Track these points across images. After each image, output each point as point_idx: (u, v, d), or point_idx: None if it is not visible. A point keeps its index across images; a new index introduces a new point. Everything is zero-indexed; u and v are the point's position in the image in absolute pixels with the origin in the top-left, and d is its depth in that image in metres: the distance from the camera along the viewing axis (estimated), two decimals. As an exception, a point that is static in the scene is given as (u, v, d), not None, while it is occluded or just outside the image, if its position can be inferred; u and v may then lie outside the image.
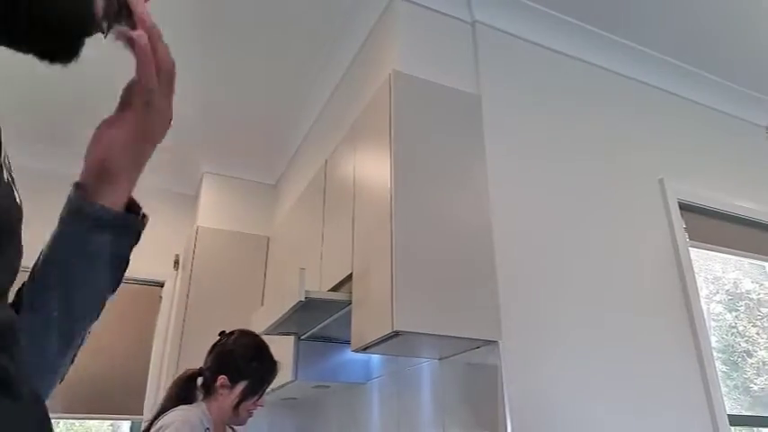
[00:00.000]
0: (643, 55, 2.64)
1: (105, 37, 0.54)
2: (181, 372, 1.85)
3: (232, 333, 1.82)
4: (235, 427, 1.83)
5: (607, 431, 1.81)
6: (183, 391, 1.73)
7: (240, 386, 1.72)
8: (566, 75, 2.44)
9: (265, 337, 2.51)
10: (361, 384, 2.48)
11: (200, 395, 1.75)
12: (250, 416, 1.78)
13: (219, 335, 1.84)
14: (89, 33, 0.50)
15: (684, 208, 2.44)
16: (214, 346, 1.81)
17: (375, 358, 2.35)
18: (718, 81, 2.82)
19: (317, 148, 3.00)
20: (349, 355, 2.34)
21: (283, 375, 2.48)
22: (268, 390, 1.85)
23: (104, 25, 0.52)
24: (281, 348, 2.57)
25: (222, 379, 1.70)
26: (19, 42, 0.47)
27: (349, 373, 2.45)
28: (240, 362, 1.73)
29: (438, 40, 2.22)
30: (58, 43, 0.48)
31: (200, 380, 1.77)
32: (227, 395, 1.71)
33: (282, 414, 3.37)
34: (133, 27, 0.56)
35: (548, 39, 2.44)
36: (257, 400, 1.77)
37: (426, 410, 1.96)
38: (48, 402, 0.48)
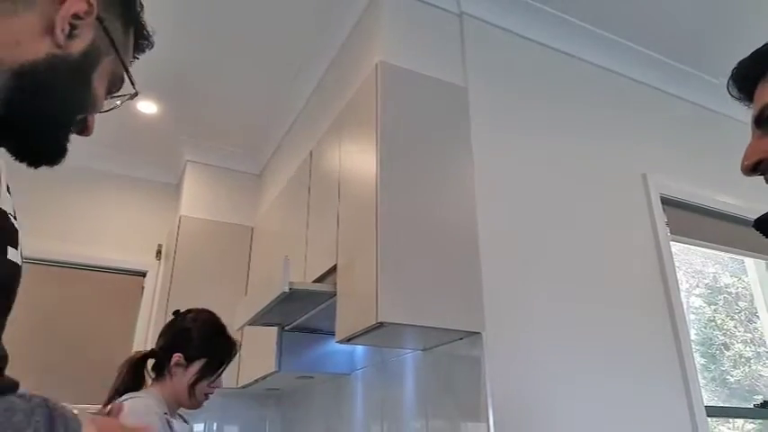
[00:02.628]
0: (628, 50, 2.65)
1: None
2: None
3: (189, 311, 1.71)
4: (183, 414, 1.74)
5: (587, 421, 1.83)
6: (135, 374, 1.61)
7: (197, 365, 1.61)
8: (552, 68, 2.45)
9: (249, 328, 2.51)
10: (345, 375, 2.48)
11: (149, 380, 1.64)
12: (206, 398, 1.67)
13: (174, 314, 1.74)
14: (65, 151, 0.64)
15: (666, 202, 2.47)
16: (169, 325, 1.71)
17: (359, 349, 2.35)
18: (701, 77, 2.85)
19: (303, 138, 2.98)
20: (333, 345, 2.34)
21: (267, 366, 2.48)
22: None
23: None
24: (265, 339, 2.57)
25: (177, 357, 1.60)
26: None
27: (333, 364, 2.45)
28: (197, 339, 1.63)
29: (425, 31, 2.21)
30: (38, 156, 0.63)
31: (150, 362, 1.65)
32: (183, 374, 1.60)
33: (266, 405, 3.37)
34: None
35: (534, 32, 2.44)
36: (214, 381, 1.66)
37: (410, 401, 1.96)
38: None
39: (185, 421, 1.73)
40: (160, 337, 1.70)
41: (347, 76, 2.44)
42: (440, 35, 2.23)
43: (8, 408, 0.48)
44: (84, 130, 0.68)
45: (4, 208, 0.54)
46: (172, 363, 1.60)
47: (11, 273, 0.52)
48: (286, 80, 2.97)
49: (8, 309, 0.53)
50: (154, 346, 1.69)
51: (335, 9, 2.48)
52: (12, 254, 0.52)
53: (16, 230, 0.55)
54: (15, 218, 0.56)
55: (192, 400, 1.63)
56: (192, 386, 1.61)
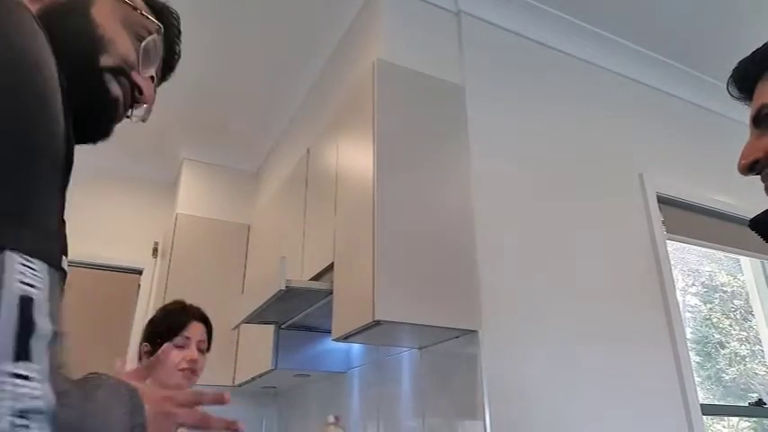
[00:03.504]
0: (626, 49, 2.65)
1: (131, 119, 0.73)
2: None
3: (164, 308, 1.74)
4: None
5: (583, 419, 1.83)
6: None
7: (159, 347, 1.57)
8: (549, 67, 2.45)
9: (245, 326, 2.50)
10: (341, 373, 2.48)
11: None
12: (185, 374, 1.59)
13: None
14: (111, 115, 0.66)
15: (663, 201, 2.47)
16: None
17: (356, 347, 2.35)
18: (698, 76, 2.86)
19: (300, 136, 2.97)
20: (329, 344, 2.34)
21: (263, 364, 2.48)
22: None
23: (127, 109, 0.69)
24: (262, 337, 2.57)
25: (144, 346, 1.61)
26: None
27: (329, 363, 2.45)
28: (153, 324, 1.65)
29: (422, 29, 2.21)
30: (82, 123, 0.59)
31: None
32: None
33: (262, 403, 3.36)
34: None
35: (532, 30, 2.44)
36: (182, 352, 1.59)
37: (406, 399, 1.97)
38: None
39: None
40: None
41: (344, 73, 2.44)
42: (437, 33, 2.23)
43: (106, 389, 0.53)
44: (134, 90, 0.67)
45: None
46: (142, 352, 1.61)
47: (62, 280, 0.53)
48: (283, 78, 2.96)
49: None
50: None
51: (333, 7, 2.48)
52: (64, 262, 0.53)
53: (66, 238, 0.56)
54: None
55: (171, 380, 1.59)
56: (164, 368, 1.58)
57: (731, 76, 0.79)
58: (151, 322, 1.69)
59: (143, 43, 0.68)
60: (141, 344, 1.65)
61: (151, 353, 1.60)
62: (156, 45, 0.71)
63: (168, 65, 0.78)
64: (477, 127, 2.05)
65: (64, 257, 0.52)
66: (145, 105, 0.72)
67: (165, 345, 1.57)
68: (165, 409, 0.63)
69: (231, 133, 3.49)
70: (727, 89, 0.80)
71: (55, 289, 0.44)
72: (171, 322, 1.65)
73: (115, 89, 0.65)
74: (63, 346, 0.44)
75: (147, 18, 0.69)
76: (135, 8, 0.68)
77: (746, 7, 2.47)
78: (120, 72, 0.65)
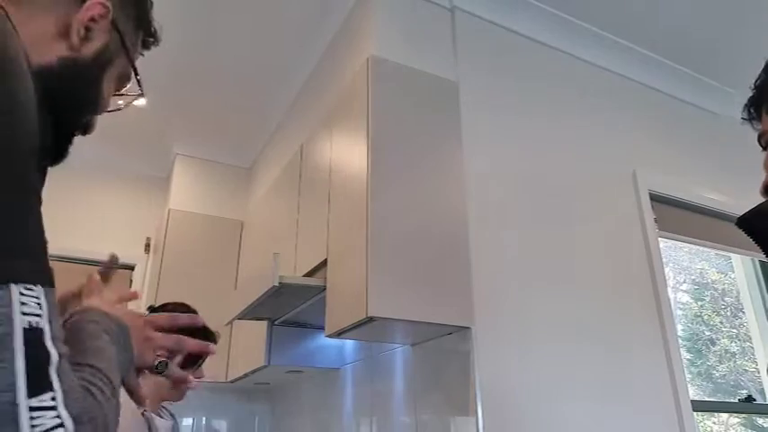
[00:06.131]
0: (618, 46, 2.66)
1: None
2: None
3: (165, 305, 1.71)
4: (167, 406, 1.73)
5: (575, 416, 1.84)
6: None
7: (178, 357, 1.63)
8: (542, 64, 2.45)
9: (238, 322, 2.50)
10: (334, 370, 2.48)
11: None
12: (188, 389, 1.69)
13: (149, 309, 1.74)
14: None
15: (655, 199, 2.48)
16: None
17: (349, 344, 2.36)
18: (691, 74, 2.87)
19: (293, 132, 2.96)
20: (323, 340, 2.34)
21: (256, 360, 2.48)
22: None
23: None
24: (255, 333, 2.56)
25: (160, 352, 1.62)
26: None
27: (322, 359, 2.45)
28: (177, 331, 1.65)
29: (417, 25, 2.20)
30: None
31: None
32: (164, 368, 1.62)
33: (255, 399, 3.36)
34: None
35: (526, 27, 2.44)
36: (195, 371, 1.65)
37: (399, 395, 1.97)
38: None
39: (171, 415, 1.72)
40: None
41: (338, 70, 2.43)
42: (431, 30, 2.23)
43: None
44: (87, 128, 0.69)
45: None
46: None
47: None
48: (277, 74, 2.95)
49: None
50: None
51: (326, 2, 2.47)
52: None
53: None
54: None
55: (174, 392, 1.63)
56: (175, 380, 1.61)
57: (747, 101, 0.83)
58: (181, 331, 1.66)
59: (120, 91, 0.72)
60: None
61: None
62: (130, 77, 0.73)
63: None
64: (471, 124, 2.05)
65: None
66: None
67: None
68: (145, 334, 0.70)
69: (224, 129, 3.48)
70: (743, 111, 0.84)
71: (53, 308, 0.46)
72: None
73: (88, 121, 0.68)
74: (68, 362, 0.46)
75: (137, 82, 0.72)
76: (136, 73, 0.71)
77: (740, 5, 2.48)
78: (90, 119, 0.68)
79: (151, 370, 0.74)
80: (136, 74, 0.71)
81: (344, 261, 1.83)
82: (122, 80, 0.71)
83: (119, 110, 0.74)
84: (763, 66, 0.80)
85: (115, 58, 0.66)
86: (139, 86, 0.73)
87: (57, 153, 0.64)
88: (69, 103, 0.61)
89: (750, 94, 0.82)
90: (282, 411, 3.18)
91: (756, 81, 0.81)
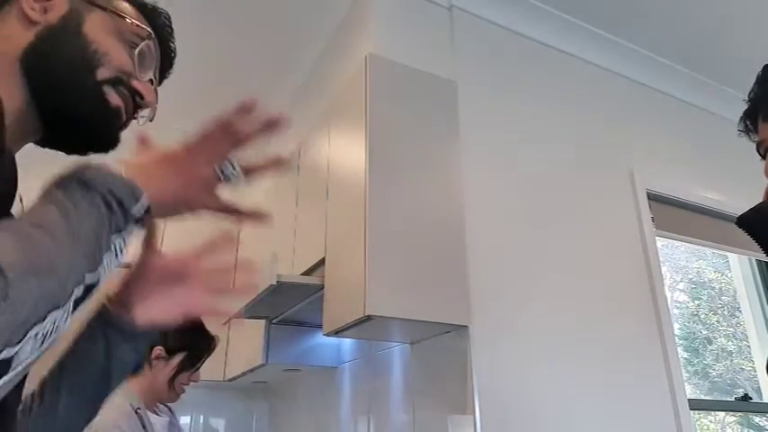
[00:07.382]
0: (616, 46, 2.67)
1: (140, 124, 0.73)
2: None
3: None
4: (161, 406, 1.74)
5: (573, 414, 1.85)
6: None
7: (177, 358, 1.63)
8: (541, 63, 2.46)
9: (236, 321, 2.50)
10: (332, 368, 2.49)
11: None
12: (183, 391, 1.70)
13: None
14: (115, 124, 0.68)
15: (652, 198, 2.49)
16: None
17: (347, 342, 2.36)
18: (688, 73, 2.87)
19: (291, 130, 2.96)
20: (320, 338, 2.34)
21: (254, 359, 2.48)
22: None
23: (132, 115, 0.71)
24: (253, 332, 2.56)
25: (159, 350, 1.61)
26: (59, 141, 0.67)
27: (320, 357, 2.45)
28: (177, 332, 1.62)
29: (415, 24, 2.20)
30: (88, 136, 0.68)
31: None
32: (163, 368, 1.62)
33: (253, 398, 3.36)
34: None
35: (524, 26, 2.44)
36: (192, 374, 1.68)
37: (397, 394, 1.97)
38: None
39: (170, 411, 1.73)
40: None
41: (336, 68, 2.43)
42: (430, 28, 2.23)
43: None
44: (134, 95, 0.69)
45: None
46: (153, 356, 1.60)
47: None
48: (275, 72, 2.95)
49: None
50: None
51: (325, 1, 2.47)
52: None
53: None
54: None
55: (171, 393, 1.64)
56: (172, 379, 1.62)
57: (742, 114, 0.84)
58: (182, 332, 1.64)
59: (137, 50, 0.70)
60: (152, 345, 1.61)
61: (165, 359, 1.60)
62: (150, 49, 0.73)
63: (166, 63, 0.80)
64: (469, 123, 2.06)
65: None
66: (148, 108, 0.75)
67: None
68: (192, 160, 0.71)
69: (222, 127, 3.47)
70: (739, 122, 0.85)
71: None
72: (205, 349, 1.67)
73: (115, 99, 0.67)
74: None
75: (138, 26, 0.72)
76: (124, 17, 0.70)
77: (736, 4, 2.49)
78: (118, 82, 0.68)
79: (222, 180, 0.74)
80: (120, 16, 0.70)
81: (342, 260, 1.83)
82: (128, 35, 0.70)
83: (142, 121, 0.75)
84: (759, 72, 0.80)
85: (87, 13, 0.67)
86: (136, 26, 0.71)
87: (100, 128, 0.67)
88: (62, 61, 0.63)
89: (745, 107, 0.82)
90: (280, 410, 3.18)
91: (750, 93, 0.81)
